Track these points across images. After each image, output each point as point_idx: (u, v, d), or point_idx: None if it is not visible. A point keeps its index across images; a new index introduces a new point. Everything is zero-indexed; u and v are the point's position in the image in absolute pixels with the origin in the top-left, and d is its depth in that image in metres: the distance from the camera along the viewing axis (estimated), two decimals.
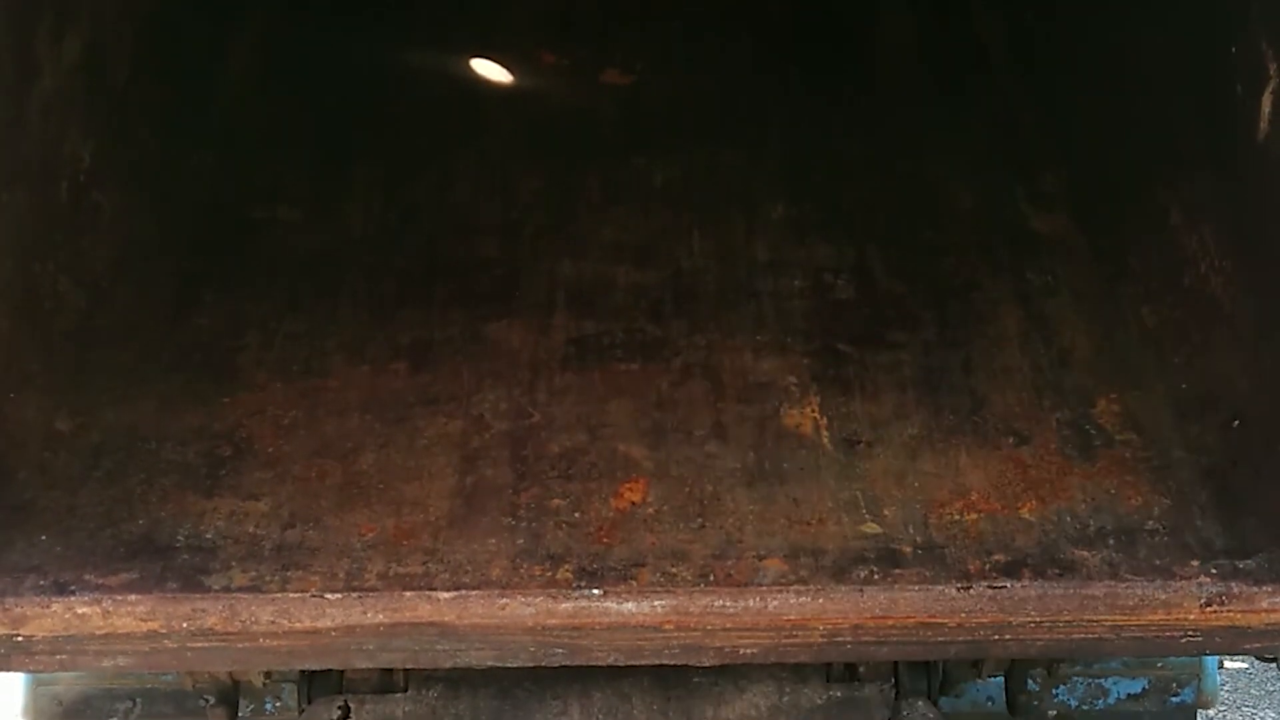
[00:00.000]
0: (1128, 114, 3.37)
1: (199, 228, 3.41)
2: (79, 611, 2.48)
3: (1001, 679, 3.10)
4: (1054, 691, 3.23)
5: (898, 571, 2.52)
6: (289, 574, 2.53)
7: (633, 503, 2.68)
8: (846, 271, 3.26)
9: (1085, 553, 2.55)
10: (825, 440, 2.82)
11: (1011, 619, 2.50)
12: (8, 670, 2.54)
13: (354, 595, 2.49)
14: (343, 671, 2.91)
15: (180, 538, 2.61)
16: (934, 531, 2.60)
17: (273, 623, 2.49)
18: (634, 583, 2.51)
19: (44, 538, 2.60)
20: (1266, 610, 2.49)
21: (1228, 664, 5.44)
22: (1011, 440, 2.82)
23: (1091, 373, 2.97)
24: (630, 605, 2.49)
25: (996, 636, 2.51)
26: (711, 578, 2.52)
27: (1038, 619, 2.49)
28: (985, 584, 2.49)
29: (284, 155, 3.66)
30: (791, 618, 2.49)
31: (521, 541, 2.60)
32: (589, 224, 3.44)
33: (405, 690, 2.85)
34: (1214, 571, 2.50)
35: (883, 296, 3.20)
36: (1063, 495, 2.68)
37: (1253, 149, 2.83)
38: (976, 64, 3.95)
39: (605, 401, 2.91)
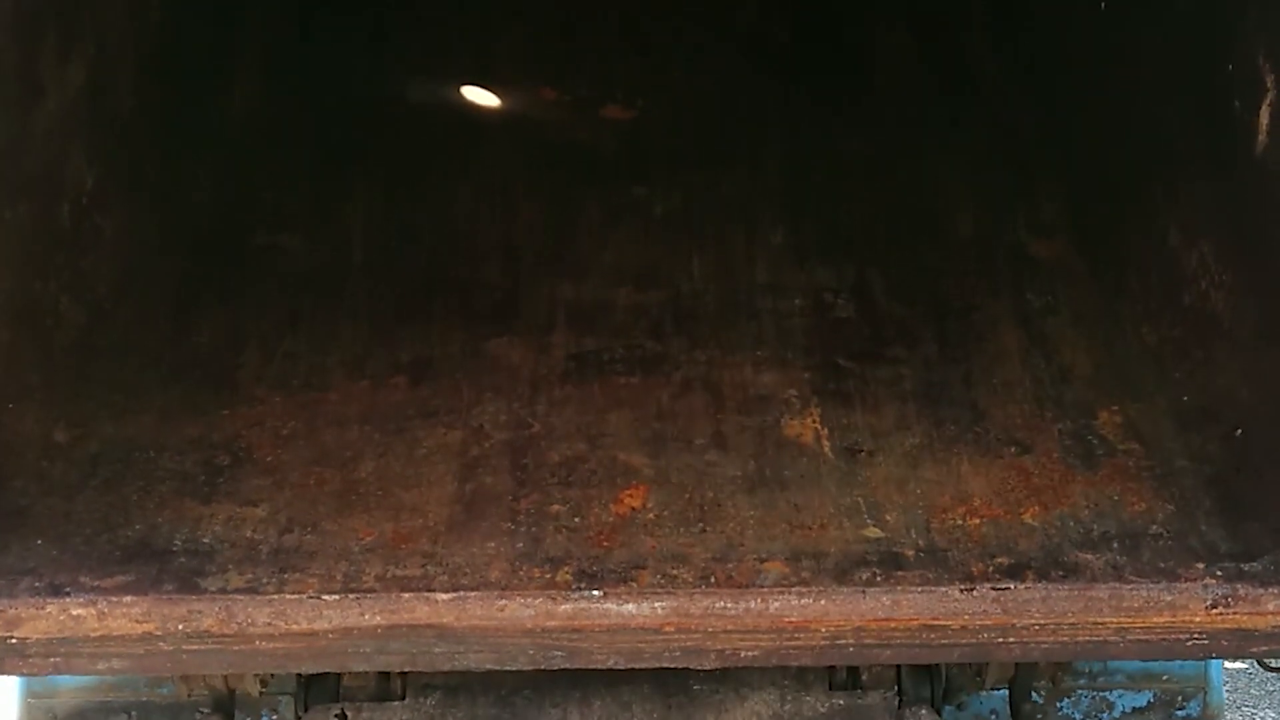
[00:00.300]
0: (1125, 137, 3.39)
1: (200, 252, 3.42)
2: (74, 613, 2.46)
3: (1006, 691, 3.07)
4: (1058, 704, 3.19)
5: (900, 574, 2.50)
6: (286, 576, 2.51)
7: (633, 508, 2.67)
8: (846, 292, 3.27)
9: (1089, 556, 2.53)
10: (826, 449, 2.81)
11: (1015, 621, 2.47)
12: (1, 673, 2.50)
13: (351, 597, 2.47)
14: (339, 680, 2.88)
15: (177, 542, 2.59)
16: (936, 535, 2.59)
17: (269, 624, 2.47)
18: (634, 584, 2.49)
19: (40, 542, 2.58)
20: (1273, 613, 2.47)
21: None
22: (1013, 449, 2.81)
23: (1092, 387, 2.97)
24: (630, 607, 2.47)
25: (1000, 639, 2.48)
26: (712, 580, 2.50)
27: (1042, 621, 2.47)
28: (989, 585, 2.47)
29: (285, 182, 3.68)
30: (793, 620, 2.46)
31: (521, 545, 2.58)
32: (589, 248, 3.45)
33: (403, 698, 2.82)
34: (1219, 574, 2.48)
35: (883, 316, 3.20)
36: (1065, 501, 2.67)
37: (1251, 162, 2.85)
38: (976, 90, 3.99)
39: (605, 413, 2.91)
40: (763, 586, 2.48)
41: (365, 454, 2.80)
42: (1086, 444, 2.81)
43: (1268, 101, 2.81)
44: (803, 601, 2.47)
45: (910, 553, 2.55)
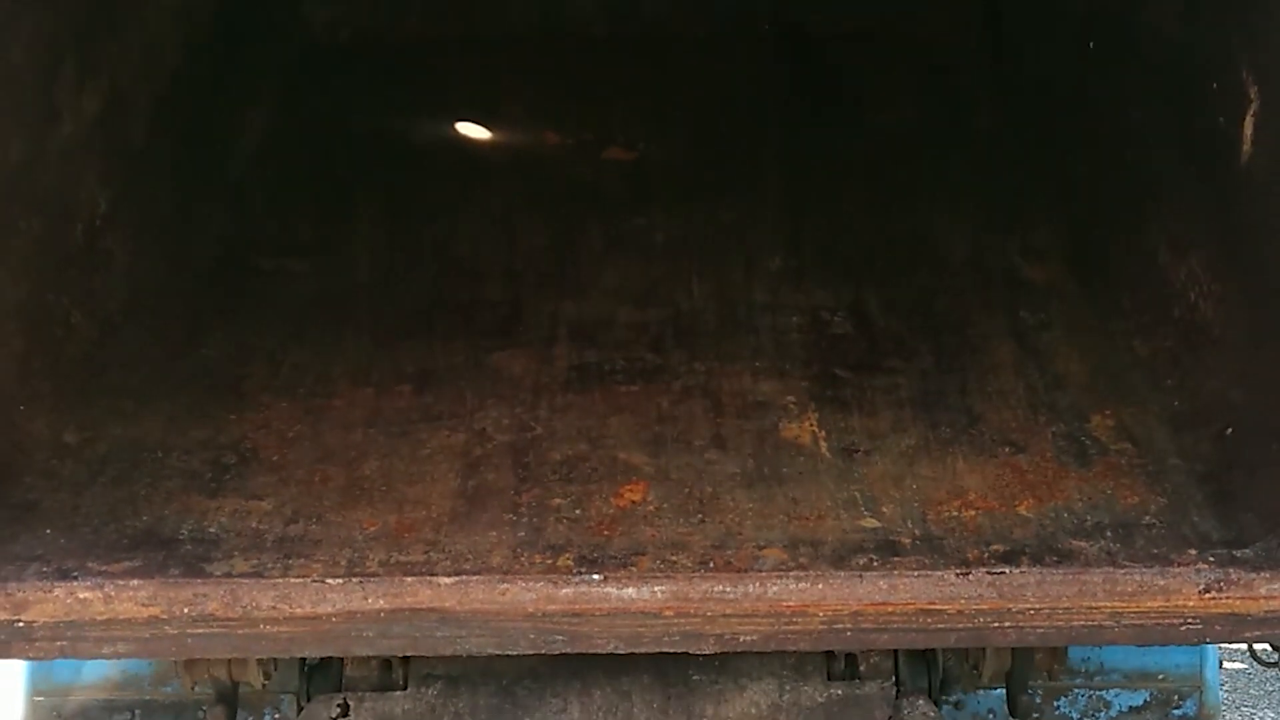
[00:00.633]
0: (1115, 164, 3.47)
1: (208, 276, 3.50)
2: (81, 596, 2.49)
3: (1003, 690, 3.08)
4: (1055, 703, 3.20)
5: (896, 559, 2.53)
6: (290, 562, 2.55)
7: (633, 501, 2.71)
8: (843, 310, 3.33)
9: (1083, 543, 2.57)
10: (823, 449, 2.86)
11: (1011, 605, 2.50)
12: (7, 657, 2.52)
13: (355, 581, 2.50)
14: (342, 671, 2.89)
15: (183, 531, 2.63)
16: (932, 525, 2.62)
17: (274, 608, 2.49)
18: (634, 569, 2.52)
19: (48, 531, 2.62)
20: (1265, 597, 2.49)
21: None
22: (1008, 449, 2.85)
23: (1086, 393, 3.02)
24: (630, 591, 2.50)
25: (996, 624, 2.51)
26: (711, 565, 2.53)
27: (1037, 605, 2.49)
28: (984, 570, 2.49)
29: (292, 214, 3.78)
30: (791, 604, 2.49)
31: (523, 534, 2.61)
32: (590, 271, 3.52)
33: (404, 688, 2.83)
34: (1211, 559, 2.51)
35: (879, 332, 3.26)
36: (1059, 495, 2.71)
37: (1236, 172, 2.92)
38: (970, 129, 4.08)
39: (606, 417, 2.95)
40: (761, 571, 2.51)
41: (369, 454, 2.85)
42: (1080, 444, 2.85)
43: (1251, 112, 2.89)
44: (800, 585, 2.50)
45: (907, 541, 2.58)
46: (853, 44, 4.60)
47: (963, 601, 2.49)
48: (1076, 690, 3.24)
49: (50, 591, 2.49)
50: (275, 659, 2.96)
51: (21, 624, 2.50)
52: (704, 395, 3.02)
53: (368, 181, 3.91)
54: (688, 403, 3.00)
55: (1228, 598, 2.49)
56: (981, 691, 3.15)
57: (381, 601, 2.49)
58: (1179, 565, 2.50)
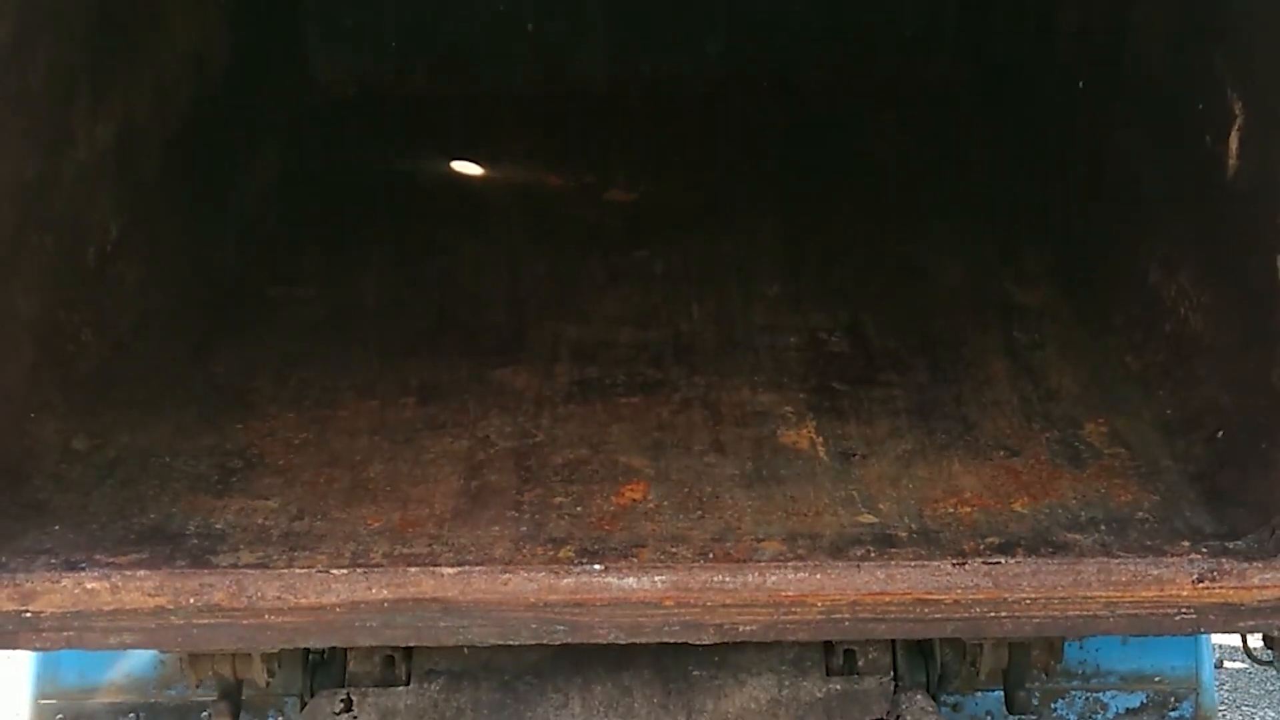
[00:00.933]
0: (1105, 193, 3.55)
1: (217, 301, 3.56)
2: (88, 587, 2.52)
3: (1000, 693, 3.09)
4: (1053, 706, 3.21)
5: (893, 551, 2.56)
6: (295, 555, 2.59)
7: (633, 499, 2.75)
8: (840, 331, 3.39)
9: (1077, 536, 2.60)
10: (821, 453, 2.90)
11: (1006, 595, 2.53)
12: (14, 648, 2.54)
13: (359, 571, 2.53)
14: (345, 666, 2.91)
15: (190, 527, 2.67)
16: (929, 521, 2.66)
17: (278, 598, 2.52)
18: (634, 560, 2.55)
19: (56, 528, 2.66)
20: (1258, 587, 2.52)
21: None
22: (1002, 453, 2.89)
23: (1078, 404, 3.07)
24: (631, 581, 2.53)
25: (992, 613, 2.53)
26: (710, 556, 2.56)
27: (1032, 595, 2.52)
28: (980, 560, 2.53)
29: (301, 247, 3.86)
30: (790, 594, 2.52)
31: (524, 529, 2.65)
32: (592, 298, 3.58)
33: (407, 684, 2.85)
34: (1204, 550, 2.55)
35: (875, 350, 3.31)
36: (1054, 493, 2.75)
37: (1223, 185, 2.99)
38: (964, 168, 4.17)
39: (607, 425, 3.00)
40: (760, 561, 2.54)
41: (374, 458, 2.89)
42: (1073, 449, 2.90)
43: (1236, 127, 2.97)
44: (799, 575, 2.53)
45: (904, 534, 2.62)
46: (845, 89, 4.72)
47: (959, 591, 2.52)
48: (1073, 692, 3.25)
49: (58, 582, 2.52)
50: (279, 656, 2.98)
51: (29, 614, 2.52)
52: (703, 406, 3.07)
53: (375, 220, 4.00)
54: (687, 412, 3.05)
55: (1221, 587, 2.52)
56: (979, 694, 3.17)
57: (385, 592, 2.52)
58: (1173, 556, 2.54)
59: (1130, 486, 2.76)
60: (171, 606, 2.52)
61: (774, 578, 2.53)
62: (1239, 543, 2.56)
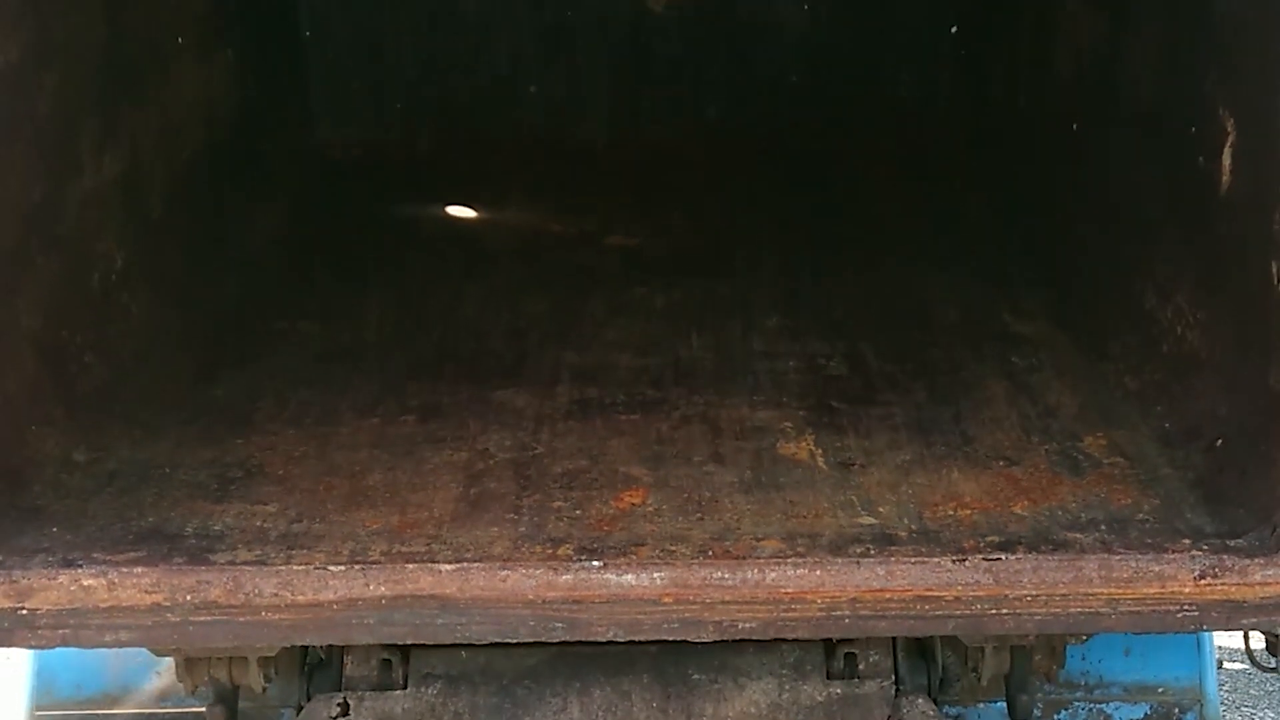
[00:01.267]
0: (1099, 220, 3.59)
1: (220, 333, 3.58)
2: (85, 583, 2.51)
3: (1003, 704, 3.05)
4: (1056, 717, 3.16)
5: (894, 548, 2.55)
6: (293, 553, 2.57)
7: (633, 504, 2.74)
8: (838, 358, 3.41)
9: (1078, 534, 2.59)
10: (820, 463, 2.90)
11: (1007, 592, 2.51)
12: (10, 645, 2.53)
13: (357, 568, 2.52)
14: (341, 670, 2.88)
15: (188, 529, 2.67)
16: (928, 522, 2.65)
17: (276, 595, 2.51)
18: (633, 556, 2.54)
19: (54, 529, 2.65)
20: (1260, 583, 2.51)
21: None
22: (1002, 463, 2.89)
23: (1077, 420, 3.07)
24: (630, 577, 2.52)
25: (993, 610, 2.52)
26: (710, 554, 2.55)
27: (1033, 592, 2.51)
28: (980, 557, 2.52)
29: (305, 287, 3.89)
30: (789, 590, 2.51)
31: (523, 529, 2.65)
32: (592, 330, 3.61)
33: (404, 688, 2.82)
34: (1205, 547, 2.54)
35: (874, 373, 3.33)
36: (1054, 497, 2.74)
37: (1217, 202, 3.02)
38: (960, 221, 4.21)
39: (606, 439, 3.01)
40: (759, 558, 2.53)
41: (373, 469, 2.89)
42: (1073, 459, 2.90)
43: (1229, 143, 3.00)
44: (799, 572, 2.52)
45: (904, 534, 2.61)
46: (843, 149, 4.79)
47: (959, 588, 2.51)
48: (1077, 704, 3.21)
49: (54, 578, 2.51)
50: (276, 661, 2.95)
51: (25, 611, 2.51)
52: (702, 421, 3.07)
53: (378, 262, 4.06)
54: (686, 427, 3.05)
55: (1223, 584, 2.51)
56: (982, 705, 3.13)
57: (383, 588, 2.51)
58: (1174, 552, 2.52)
59: (1130, 491, 2.76)
60: (168, 603, 2.50)
61: (773, 574, 2.51)
62: (1239, 541, 2.55)
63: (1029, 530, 2.61)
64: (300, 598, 2.51)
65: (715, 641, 2.58)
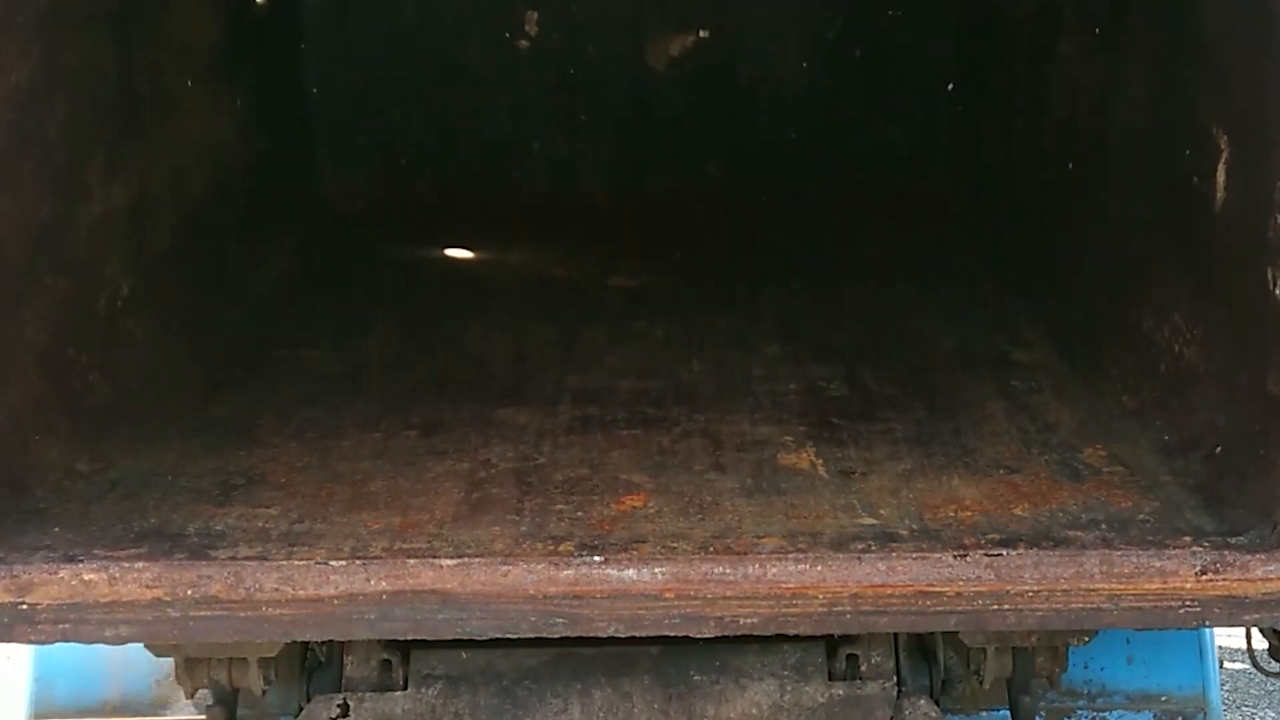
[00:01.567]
0: (1095, 252, 3.62)
1: (225, 359, 3.60)
2: (85, 578, 2.50)
3: (1005, 712, 3.02)
4: None
5: (895, 545, 2.56)
6: (294, 550, 2.58)
7: (634, 506, 2.75)
8: (838, 381, 3.42)
9: (1079, 533, 2.60)
10: (821, 471, 2.91)
11: (1009, 587, 2.50)
12: (9, 640, 2.51)
13: (358, 563, 2.52)
14: (341, 670, 2.86)
15: (190, 529, 2.67)
16: (929, 523, 2.66)
17: (276, 590, 2.50)
18: (635, 552, 2.54)
19: (56, 529, 2.66)
20: (1262, 579, 2.50)
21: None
22: (1002, 471, 2.90)
23: (1076, 434, 3.08)
24: (631, 573, 2.51)
25: (995, 606, 2.51)
26: (711, 550, 2.55)
27: (1035, 587, 2.50)
28: (981, 552, 2.52)
29: (309, 318, 3.92)
30: (791, 585, 2.50)
31: (525, 528, 2.65)
32: (594, 357, 3.63)
33: (405, 688, 2.80)
34: (1207, 544, 2.53)
35: (874, 395, 3.34)
36: (1054, 500, 2.75)
37: (1211, 218, 3.05)
38: (959, 262, 4.26)
39: (607, 451, 3.02)
40: (761, 554, 2.53)
41: (376, 477, 2.90)
42: (1073, 468, 2.91)
43: (1223, 160, 3.04)
44: (800, 568, 2.51)
45: (904, 533, 2.61)
46: (842, 203, 4.86)
47: (961, 583, 2.50)
48: (1079, 712, 3.18)
49: (55, 573, 2.50)
50: (275, 663, 2.93)
51: (25, 606, 2.50)
52: (704, 435, 3.09)
53: (381, 298, 4.10)
54: (688, 441, 3.07)
55: (1225, 579, 2.50)
56: (984, 713, 3.10)
57: (384, 583, 2.51)
58: (1175, 548, 2.52)
59: (1130, 495, 2.76)
60: (169, 598, 2.50)
61: (775, 570, 2.51)
62: (1240, 538, 2.55)
63: (1030, 529, 2.62)
64: (301, 593, 2.50)
65: (716, 642, 2.57)
